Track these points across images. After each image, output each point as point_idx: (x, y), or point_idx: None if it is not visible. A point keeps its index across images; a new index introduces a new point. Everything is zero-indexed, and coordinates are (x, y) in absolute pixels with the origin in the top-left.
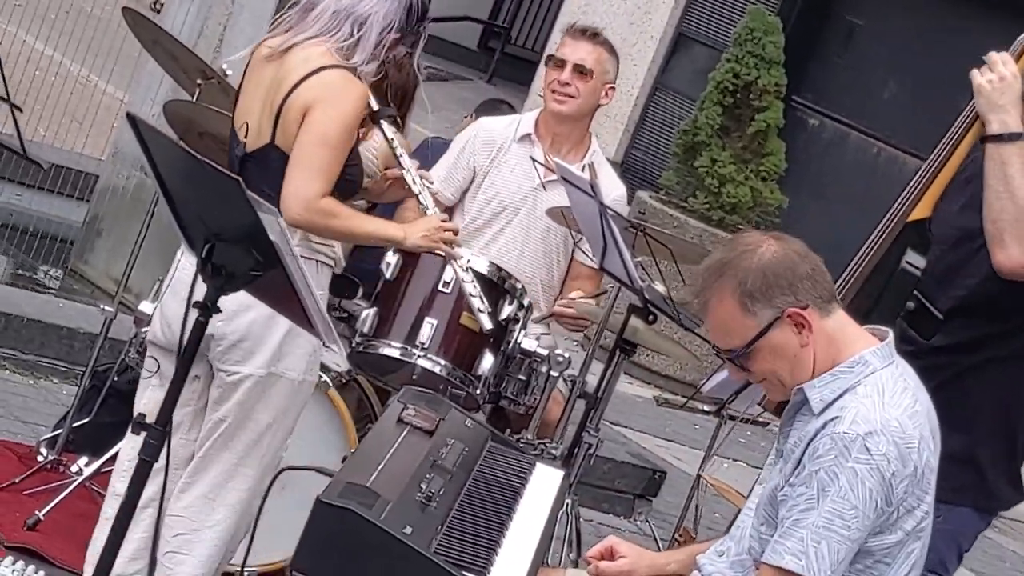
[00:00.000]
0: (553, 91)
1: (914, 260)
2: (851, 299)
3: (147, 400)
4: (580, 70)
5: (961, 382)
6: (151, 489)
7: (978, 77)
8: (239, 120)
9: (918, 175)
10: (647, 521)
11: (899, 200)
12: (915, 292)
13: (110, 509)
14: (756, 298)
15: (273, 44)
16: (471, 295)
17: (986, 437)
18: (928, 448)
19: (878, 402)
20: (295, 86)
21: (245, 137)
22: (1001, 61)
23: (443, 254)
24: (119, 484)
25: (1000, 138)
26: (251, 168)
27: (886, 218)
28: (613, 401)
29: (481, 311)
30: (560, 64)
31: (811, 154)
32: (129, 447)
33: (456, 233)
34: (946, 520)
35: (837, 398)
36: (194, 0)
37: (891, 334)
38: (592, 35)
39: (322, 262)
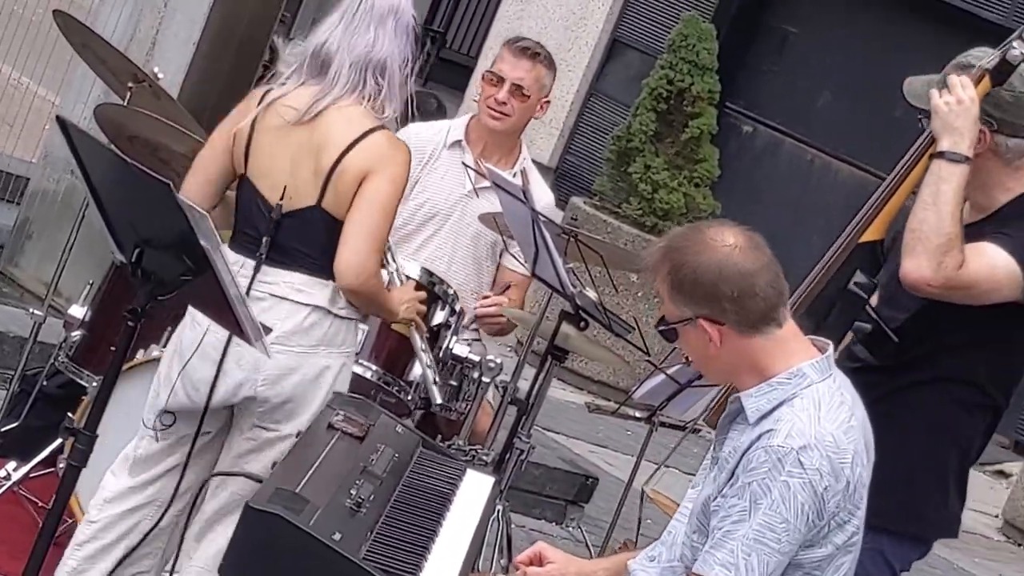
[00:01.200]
0: (489, 107)
1: (862, 281)
2: (801, 315)
3: (143, 450)
4: (518, 89)
5: (897, 400)
6: (126, 524)
7: (936, 98)
8: (263, 180)
9: (873, 196)
10: (579, 527)
11: (854, 220)
12: (874, 316)
13: (81, 535)
14: (678, 294)
15: (297, 106)
16: (427, 366)
17: (917, 459)
18: (861, 463)
19: (814, 416)
20: (346, 151)
21: (281, 199)
22: (961, 85)
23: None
24: (94, 511)
25: (944, 155)
26: (287, 227)
27: (840, 237)
28: (545, 407)
29: (436, 383)
30: (498, 81)
31: (744, 160)
32: (113, 480)
33: (423, 302)
34: (872, 541)
35: (773, 409)
36: (127, 2)
37: (831, 347)
38: (533, 54)
39: (360, 321)
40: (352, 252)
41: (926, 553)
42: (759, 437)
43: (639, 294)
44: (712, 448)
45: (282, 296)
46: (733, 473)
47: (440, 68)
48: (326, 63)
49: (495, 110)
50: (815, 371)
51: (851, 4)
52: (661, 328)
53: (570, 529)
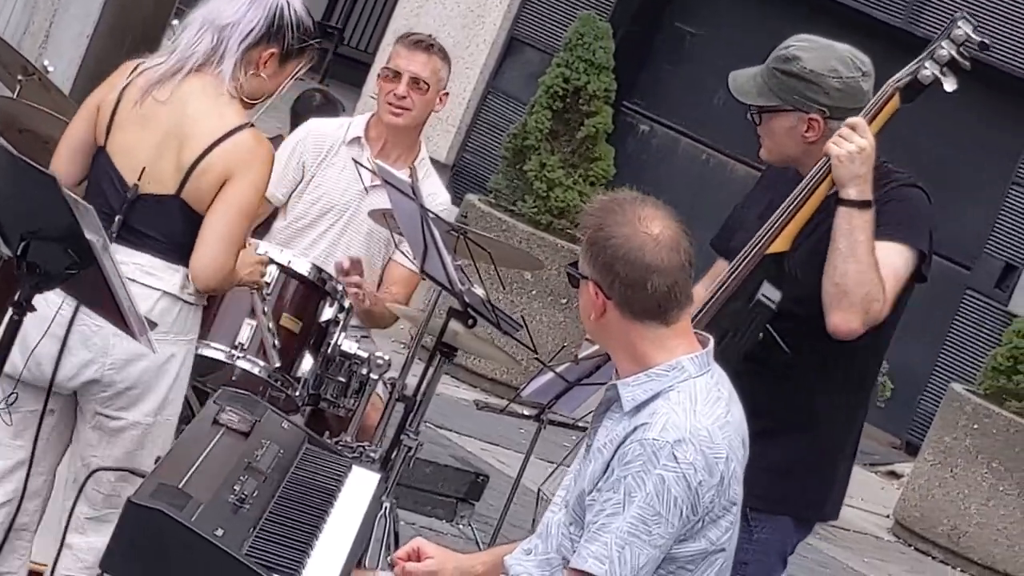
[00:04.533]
0: (389, 103)
1: (770, 293)
2: (706, 326)
3: None
4: (416, 82)
5: (780, 387)
6: None
7: (836, 148)
8: (123, 158)
9: (779, 210)
10: (469, 525)
11: (759, 232)
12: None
13: None
14: (587, 250)
15: (159, 78)
16: (268, 331)
17: (809, 449)
18: (736, 459)
19: (689, 410)
20: (209, 149)
21: (139, 179)
22: (858, 131)
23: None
24: None
25: (854, 203)
26: (141, 209)
27: (745, 249)
28: (437, 404)
29: (275, 347)
30: (395, 76)
31: (642, 159)
32: None
33: (266, 264)
34: (765, 529)
35: (649, 400)
36: None
37: (711, 341)
38: (427, 46)
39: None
40: (209, 256)
41: (807, 534)
42: (634, 430)
43: (533, 292)
44: (587, 436)
45: (131, 278)
46: (608, 466)
47: (338, 65)
48: (184, 30)
49: (395, 105)
50: (693, 365)
51: (750, 5)
52: (567, 269)
53: (460, 527)
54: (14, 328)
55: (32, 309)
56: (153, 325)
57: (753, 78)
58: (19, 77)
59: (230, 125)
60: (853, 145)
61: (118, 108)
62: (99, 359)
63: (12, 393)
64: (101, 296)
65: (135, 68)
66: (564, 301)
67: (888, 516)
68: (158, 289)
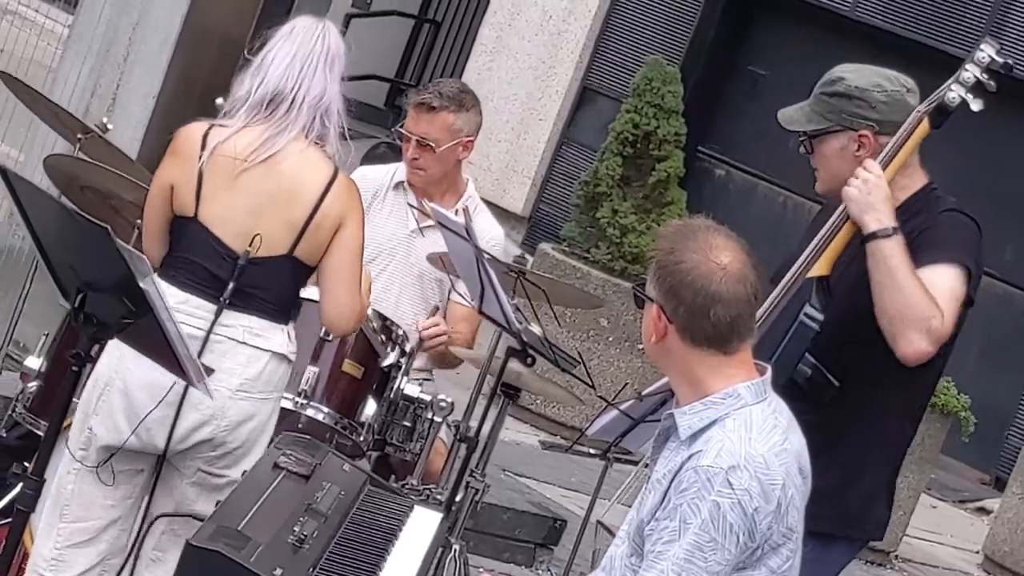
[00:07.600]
0: (407, 163)
1: (812, 314)
2: (753, 348)
3: (73, 486)
4: (422, 144)
5: (830, 414)
6: None
7: (847, 188)
8: (221, 226)
9: (820, 234)
10: (548, 570)
11: (802, 256)
12: (813, 361)
13: None
14: (655, 273)
15: (244, 148)
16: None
17: (855, 469)
18: (795, 487)
19: (744, 437)
20: (320, 200)
21: (250, 245)
22: (866, 168)
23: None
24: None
25: (876, 235)
26: (249, 273)
27: (789, 274)
28: (515, 451)
29: (384, 343)
30: (407, 138)
31: (718, 204)
32: (50, 542)
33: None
34: (813, 550)
35: (705, 428)
36: (87, 59)
37: (769, 370)
38: (430, 107)
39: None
40: (343, 303)
41: (854, 555)
42: (690, 458)
43: (610, 338)
44: (650, 468)
45: (240, 340)
46: (665, 495)
47: None
48: (279, 102)
49: (410, 165)
50: (750, 393)
51: (820, 45)
52: (634, 289)
53: (539, 572)
54: (75, 381)
55: (91, 360)
56: (210, 372)
57: (800, 108)
58: (79, 136)
59: (327, 173)
60: (859, 180)
61: (203, 178)
62: (214, 421)
63: (110, 456)
64: (158, 344)
65: (205, 135)
66: (640, 346)
67: (978, 552)
68: (267, 350)
